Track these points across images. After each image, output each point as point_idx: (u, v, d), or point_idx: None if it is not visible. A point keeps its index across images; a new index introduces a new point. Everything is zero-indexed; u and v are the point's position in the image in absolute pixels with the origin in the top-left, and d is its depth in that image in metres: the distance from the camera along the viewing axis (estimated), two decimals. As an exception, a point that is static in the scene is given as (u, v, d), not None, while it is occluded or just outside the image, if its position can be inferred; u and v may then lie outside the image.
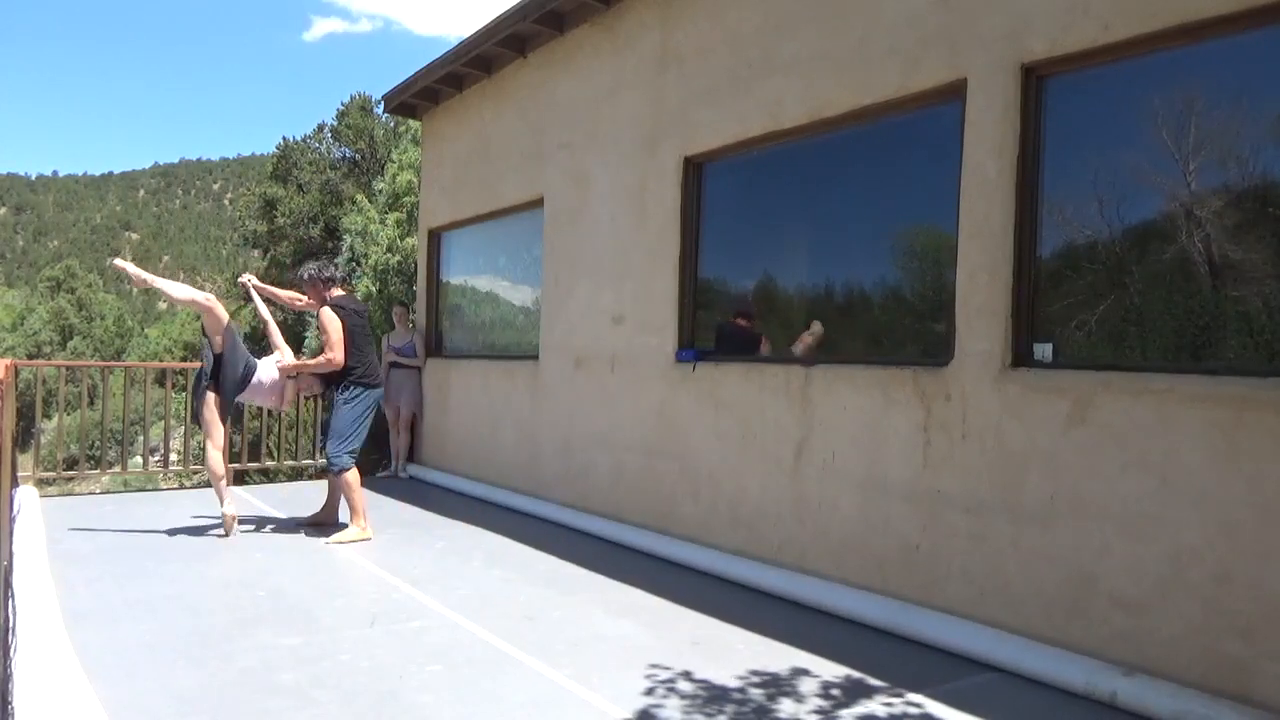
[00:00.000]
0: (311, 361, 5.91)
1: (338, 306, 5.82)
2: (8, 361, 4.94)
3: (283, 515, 6.55)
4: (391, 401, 8.70)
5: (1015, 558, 3.75)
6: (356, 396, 5.80)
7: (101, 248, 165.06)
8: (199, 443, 8.84)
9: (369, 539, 5.75)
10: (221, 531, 5.78)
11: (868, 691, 3.39)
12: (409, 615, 4.21)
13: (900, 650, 3.88)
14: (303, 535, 5.90)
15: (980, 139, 4.00)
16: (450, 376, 8.59)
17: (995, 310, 3.91)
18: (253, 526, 6.13)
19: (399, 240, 16.35)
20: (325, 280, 5.94)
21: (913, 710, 3.22)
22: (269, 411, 8.68)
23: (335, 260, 20.85)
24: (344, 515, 5.96)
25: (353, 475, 5.76)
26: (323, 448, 6.08)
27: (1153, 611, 3.30)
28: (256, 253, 27.94)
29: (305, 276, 6.00)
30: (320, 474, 8.90)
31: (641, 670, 3.54)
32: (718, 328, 5.66)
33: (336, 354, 5.70)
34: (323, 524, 6.06)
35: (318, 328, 6.02)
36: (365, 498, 5.90)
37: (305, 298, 6.14)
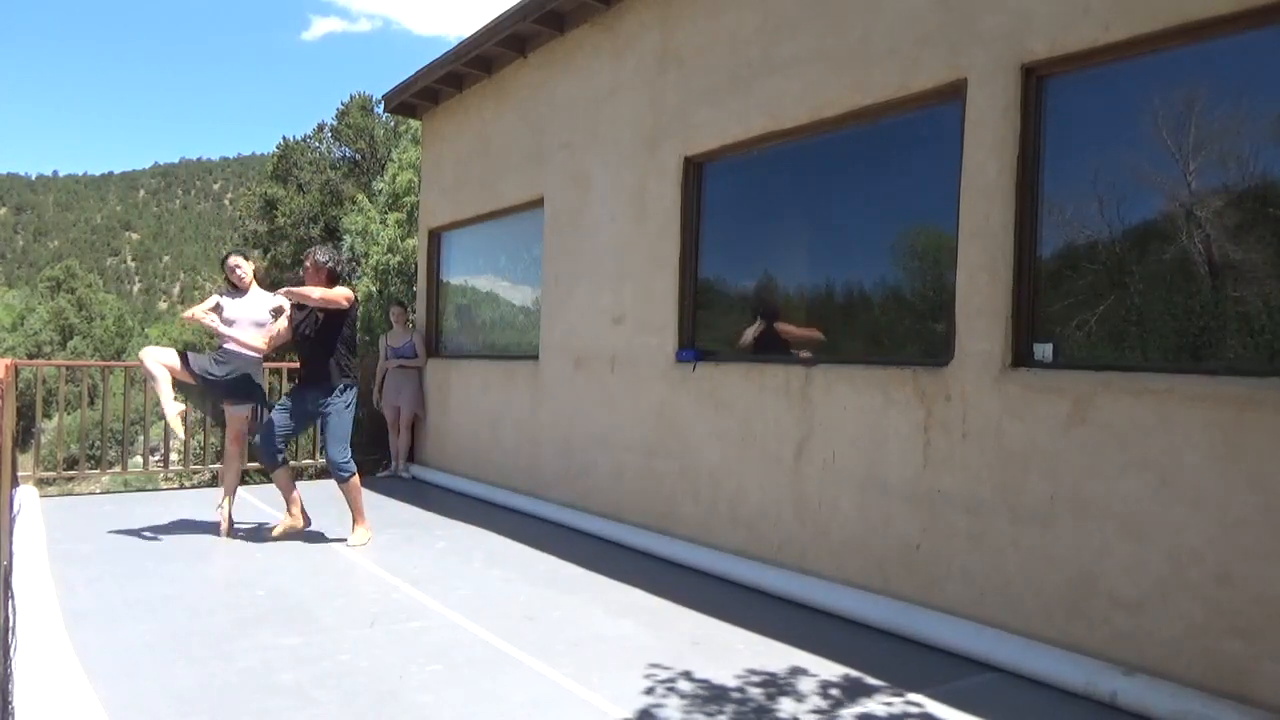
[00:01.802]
0: (316, 294, 5.48)
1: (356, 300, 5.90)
2: (8, 361, 4.94)
3: (282, 515, 6.54)
4: (391, 402, 8.69)
5: (1015, 558, 3.75)
6: (353, 400, 5.72)
7: (101, 248, 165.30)
8: (199, 443, 8.85)
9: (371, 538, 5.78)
10: (220, 532, 5.80)
11: (868, 691, 3.39)
12: (409, 615, 4.21)
13: (900, 650, 3.88)
14: (302, 535, 5.90)
15: (980, 139, 4.00)
16: (450, 377, 8.59)
17: (995, 310, 3.91)
18: (253, 527, 6.13)
19: (399, 240, 16.36)
20: (333, 275, 5.72)
21: (913, 710, 3.22)
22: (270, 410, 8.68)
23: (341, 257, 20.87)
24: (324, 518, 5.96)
25: (357, 483, 5.76)
26: (323, 449, 5.99)
27: (1153, 611, 3.30)
28: (257, 252, 27.95)
29: (321, 260, 5.70)
30: (319, 474, 8.91)
31: (641, 670, 3.54)
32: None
33: (338, 298, 5.50)
34: (301, 530, 5.85)
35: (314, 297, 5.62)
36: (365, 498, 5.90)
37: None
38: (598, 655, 3.72)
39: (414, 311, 9.42)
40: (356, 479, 5.73)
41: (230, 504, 5.89)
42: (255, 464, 9.00)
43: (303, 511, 5.78)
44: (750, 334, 5.41)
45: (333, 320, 5.59)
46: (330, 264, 5.70)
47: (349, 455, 5.72)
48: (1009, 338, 3.86)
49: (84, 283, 70.96)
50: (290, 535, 5.72)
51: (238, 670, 3.45)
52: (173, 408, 5.48)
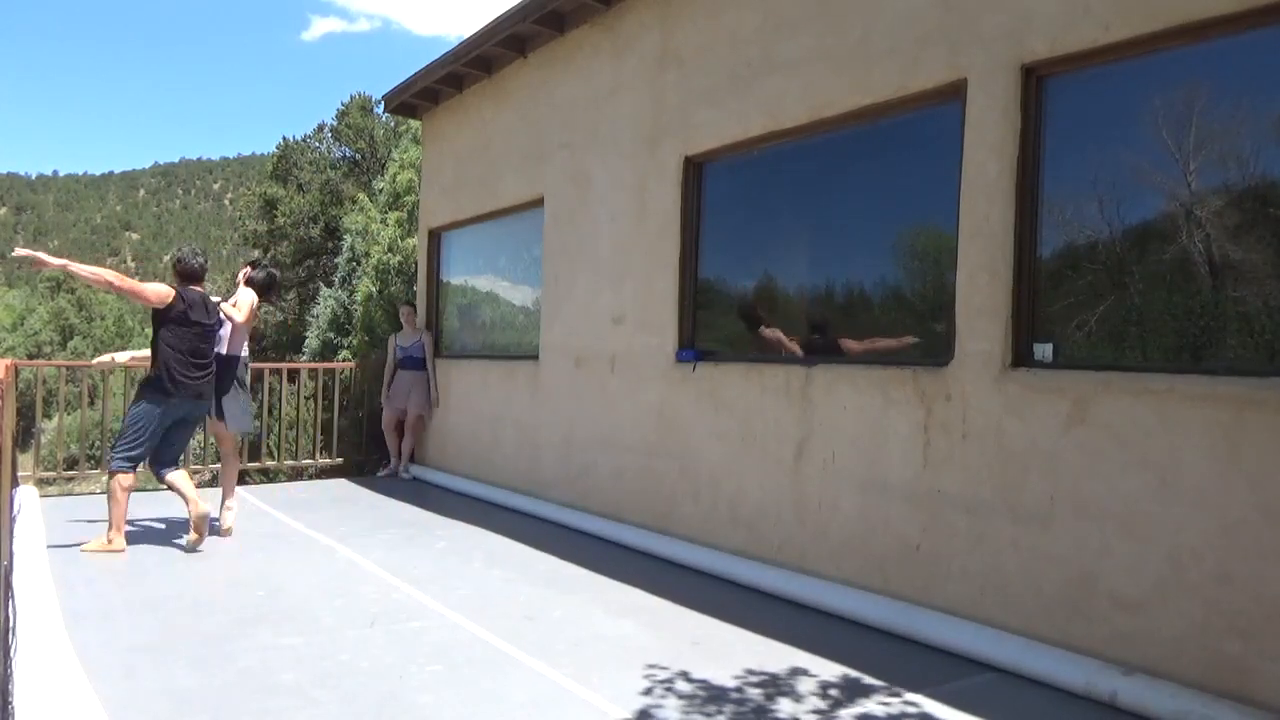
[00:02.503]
0: (86, 269, 5.27)
1: (183, 299, 5.38)
2: (8, 361, 4.93)
3: (283, 515, 6.55)
4: (399, 404, 8.67)
5: (1015, 558, 3.75)
6: (138, 399, 5.36)
7: (102, 248, 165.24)
8: (198, 442, 8.84)
9: (119, 551, 5.26)
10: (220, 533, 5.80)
11: (867, 691, 3.39)
12: (409, 615, 4.21)
13: (900, 650, 3.88)
14: (302, 535, 5.90)
15: (980, 139, 4.00)
16: (451, 377, 8.59)
17: (995, 310, 3.91)
18: (252, 526, 6.13)
19: (400, 240, 16.32)
20: (179, 272, 5.53)
21: (911, 710, 3.22)
22: (269, 411, 8.68)
23: (335, 260, 20.85)
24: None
25: (121, 484, 5.25)
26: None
27: (1153, 611, 3.30)
28: (257, 252, 27.94)
29: (178, 258, 5.59)
30: (319, 474, 8.92)
31: (641, 670, 3.55)
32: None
33: (123, 284, 5.29)
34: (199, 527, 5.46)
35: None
36: (126, 511, 5.34)
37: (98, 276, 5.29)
38: (598, 655, 3.72)
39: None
40: (117, 483, 5.24)
41: (231, 504, 5.89)
42: (254, 463, 9.03)
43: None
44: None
45: (154, 319, 5.38)
46: (176, 260, 5.57)
47: (116, 454, 5.28)
48: (1009, 338, 3.86)
49: (84, 283, 70.87)
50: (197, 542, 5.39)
51: (238, 670, 3.45)
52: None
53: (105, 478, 5.58)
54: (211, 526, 5.71)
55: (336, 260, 20.39)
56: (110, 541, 5.27)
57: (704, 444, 5.44)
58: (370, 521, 6.41)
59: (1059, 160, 3.81)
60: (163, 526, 6.08)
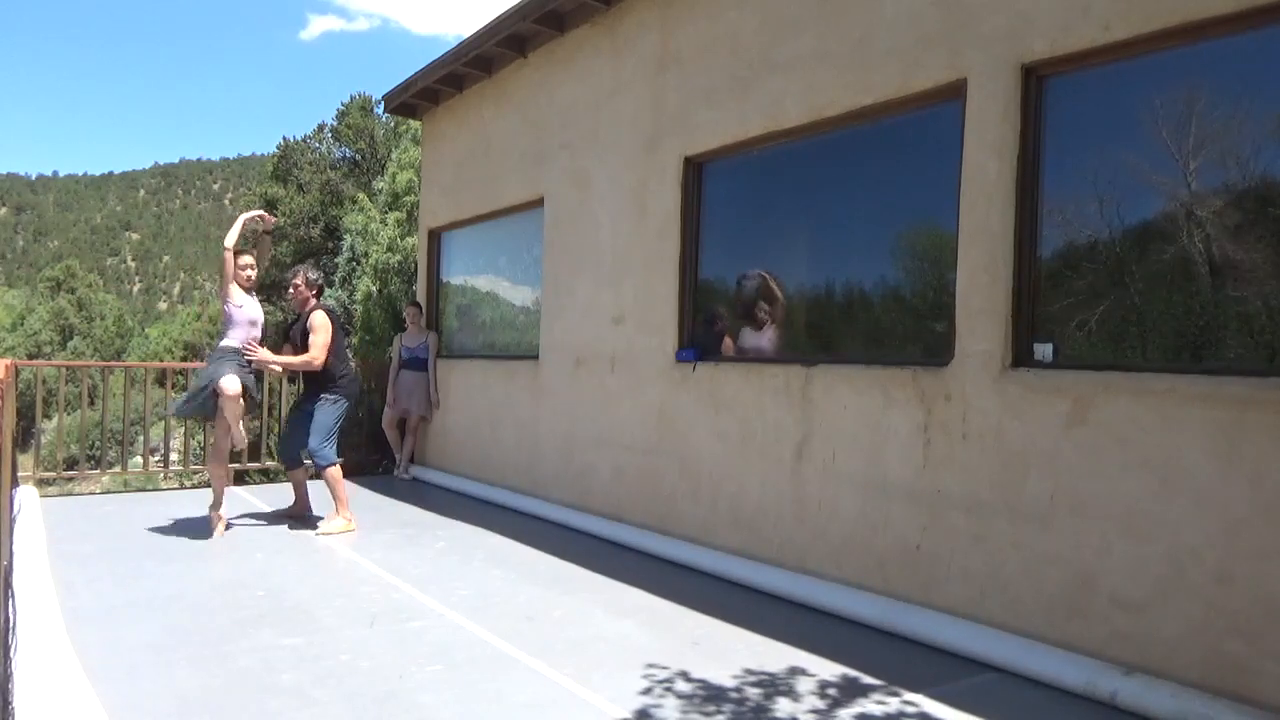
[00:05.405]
0: (295, 360, 6.01)
1: (330, 312, 6.19)
2: (8, 361, 4.93)
3: (282, 515, 6.55)
4: (400, 403, 8.66)
5: (1015, 558, 3.75)
6: (338, 400, 6.10)
7: (101, 248, 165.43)
8: (199, 443, 8.85)
9: (354, 530, 6.03)
10: (218, 532, 5.80)
11: (866, 691, 3.39)
12: (409, 615, 4.21)
13: (900, 650, 3.88)
14: (302, 535, 5.90)
15: (980, 139, 4.00)
16: (451, 376, 8.59)
17: (995, 310, 3.91)
18: (252, 526, 6.14)
19: (399, 240, 16.34)
20: (318, 286, 6.29)
21: (910, 710, 3.22)
22: (269, 411, 8.67)
23: (335, 260, 20.89)
24: (321, 509, 6.13)
25: (337, 469, 6.04)
26: (303, 447, 6.24)
27: (1153, 611, 3.30)
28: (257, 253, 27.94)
29: (310, 278, 6.26)
30: (318, 474, 8.89)
31: (641, 670, 3.55)
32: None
33: (320, 357, 5.95)
34: (298, 516, 6.41)
35: (307, 327, 6.11)
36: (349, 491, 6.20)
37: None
38: (598, 655, 3.73)
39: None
40: (335, 470, 6.03)
41: (222, 503, 5.85)
42: (254, 464, 9.03)
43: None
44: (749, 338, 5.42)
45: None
46: (317, 280, 6.35)
47: (326, 446, 6.08)
48: (1009, 338, 3.86)
49: (84, 283, 70.81)
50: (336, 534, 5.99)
51: (238, 670, 3.45)
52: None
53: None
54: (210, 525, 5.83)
55: (336, 260, 20.42)
56: (350, 520, 6.07)
57: (704, 444, 5.44)
58: (370, 521, 6.41)
59: (1059, 160, 3.81)
60: (163, 527, 6.08)
